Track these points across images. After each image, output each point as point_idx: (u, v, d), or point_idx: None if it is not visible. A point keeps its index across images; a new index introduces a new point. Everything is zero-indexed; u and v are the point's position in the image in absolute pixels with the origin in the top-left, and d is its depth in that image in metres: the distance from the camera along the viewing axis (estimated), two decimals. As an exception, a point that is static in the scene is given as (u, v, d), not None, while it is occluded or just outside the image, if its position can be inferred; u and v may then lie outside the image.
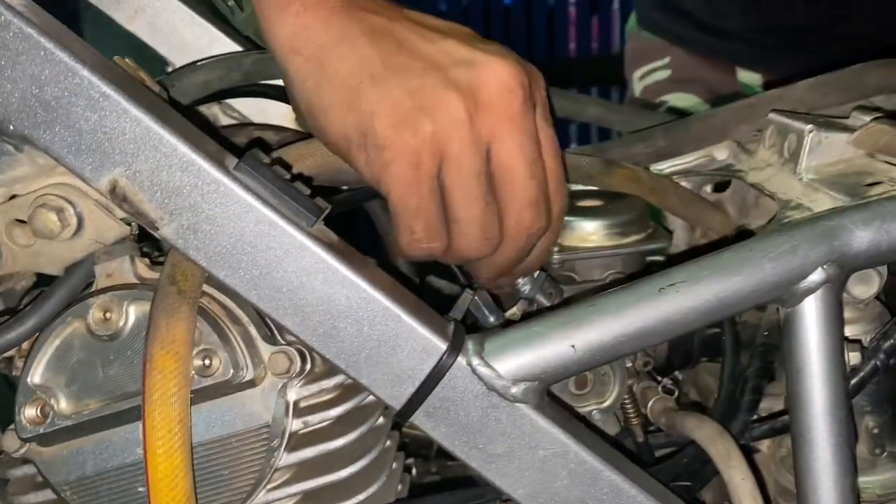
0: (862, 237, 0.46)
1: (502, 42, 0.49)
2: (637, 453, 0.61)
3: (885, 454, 0.58)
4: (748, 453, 0.52)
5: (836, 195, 0.51)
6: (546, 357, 0.44)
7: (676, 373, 0.70)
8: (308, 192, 0.44)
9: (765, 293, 0.45)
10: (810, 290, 0.46)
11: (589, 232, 0.60)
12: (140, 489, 0.48)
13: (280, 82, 0.64)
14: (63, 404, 0.47)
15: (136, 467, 0.48)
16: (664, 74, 1.04)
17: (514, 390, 0.44)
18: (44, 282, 0.51)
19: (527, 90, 0.46)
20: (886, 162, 0.53)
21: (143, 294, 0.48)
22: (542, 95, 0.49)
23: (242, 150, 0.44)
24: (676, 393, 0.62)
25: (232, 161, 0.43)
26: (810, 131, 0.54)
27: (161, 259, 0.52)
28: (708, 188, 0.68)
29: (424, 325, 0.44)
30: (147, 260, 0.51)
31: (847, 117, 0.58)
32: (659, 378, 0.64)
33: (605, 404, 0.59)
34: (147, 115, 0.41)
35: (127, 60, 0.47)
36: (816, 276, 0.45)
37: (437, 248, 0.48)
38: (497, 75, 0.45)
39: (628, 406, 0.61)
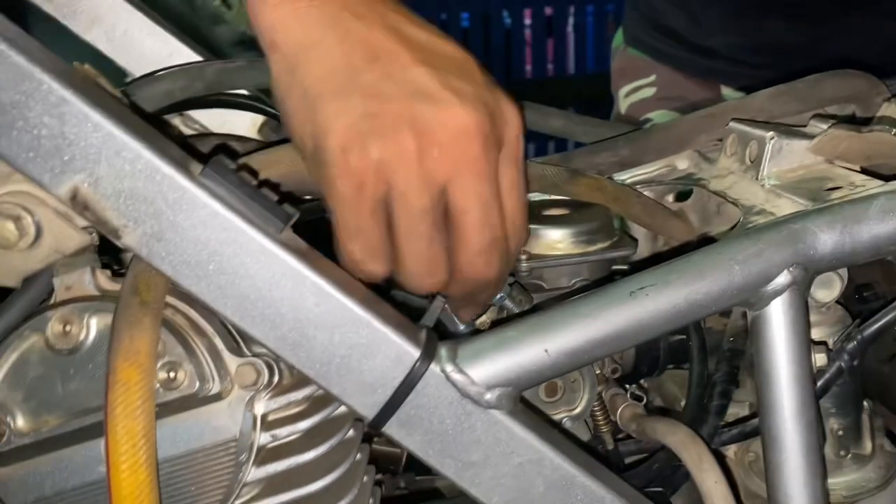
0: (826, 240, 0.47)
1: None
2: (607, 460, 0.61)
3: (850, 456, 0.59)
4: (719, 457, 0.53)
5: (798, 200, 0.51)
6: (520, 362, 0.44)
7: (641, 381, 0.70)
8: (276, 198, 0.43)
9: (733, 296, 0.46)
10: (777, 293, 0.46)
11: (556, 240, 0.61)
12: (102, 509, 0.47)
13: (243, 92, 0.63)
14: (20, 422, 0.46)
15: (98, 486, 0.46)
16: (650, 92, 1.05)
17: (488, 396, 0.43)
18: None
19: (487, 136, 0.45)
20: (844, 167, 0.54)
21: (105, 306, 0.46)
22: (513, 137, 0.47)
23: (207, 156, 0.43)
24: (645, 399, 0.62)
25: (197, 167, 0.42)
26: (771, 138, 0.55)
27: (123, 271, 0.51)
28: (670, 198, 0.69)
29: (397, 332, 0.43)
30: (108, 271, 0.49)
31: (805, 126, 0.59)
32: (626, 386, 0.64)
33: (576, 411, 0.59)
34: (108, 120, 0.40)
35: (87, 66, 0.46)
36: (782, 278, 0.46)
37: (376, 272, 0.46)
38: (456, 119, 0.44)
39: (598, 413, 0.61)
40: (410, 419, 0.43)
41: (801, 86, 0.65)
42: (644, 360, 0.64)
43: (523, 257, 0.60)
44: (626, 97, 1.06)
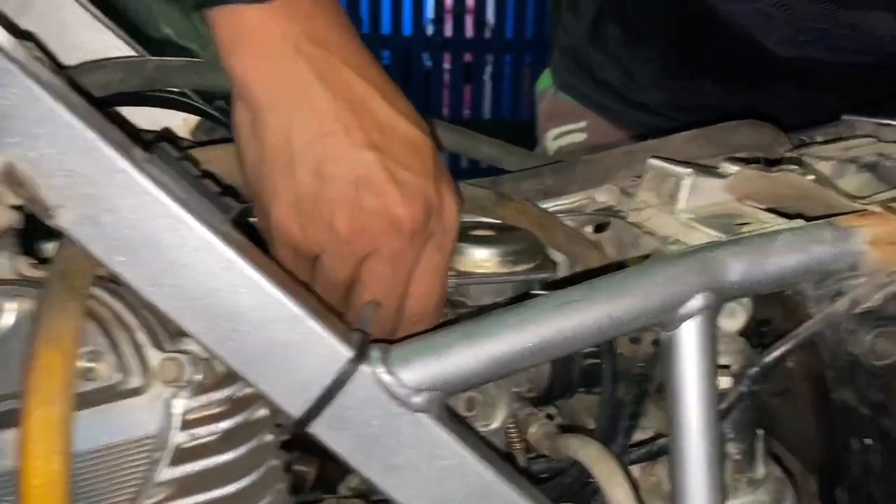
0: (735, 268, 0.50)
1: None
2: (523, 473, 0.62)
3: (745, 480, 0.62)
4: (628, 474, 0.55)
5: (711, 232, 0.55)
6: (449, 367, 0.45)
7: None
8: (217, 190, 0.43)
9: (651, 315, 0.48)
10: (689, 315, 0.49)
11: (483, 259, 0.62)
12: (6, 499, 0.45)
13: (175, 90, 0.63)
14: (-78, 407, 0.43)
15: (1, 478, 0.44)
16: (580, 137, 1.05)
17: (416, 399, 0.44)
18: None
19: (416, 231, 0.48)
20: (753, 206, 0.58)
21: (23, 290, 0.45)
22: (447, 228, 0.51)
23: (150, 144, 0.43)
24: (556, 419, 0.64)
25: (140, 153, 0.42)
26: (688, 175, 0.59)
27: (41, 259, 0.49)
28: (589, 228, 0.72)
29: (330, 331, 0.43)
30: (28, 258, 0.48)
31: (717, 167, 0.63)
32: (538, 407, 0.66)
33: (492, 427, 0.60)
34: (52, 97, 0.39)
35: (31, 44, 0.45)
36: (695, 302, 0.49)
37: None
38: (390, 213, 0.47)
39: (511, 431, 0.62)
40: (337, 419, 0.44)
41: (716, 131, 0.70)
42: (558, 381, 0.66)
43: (450, 273, 0.61)
44: (555, 140, 1.06)
